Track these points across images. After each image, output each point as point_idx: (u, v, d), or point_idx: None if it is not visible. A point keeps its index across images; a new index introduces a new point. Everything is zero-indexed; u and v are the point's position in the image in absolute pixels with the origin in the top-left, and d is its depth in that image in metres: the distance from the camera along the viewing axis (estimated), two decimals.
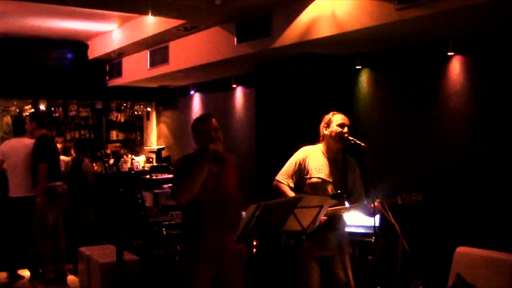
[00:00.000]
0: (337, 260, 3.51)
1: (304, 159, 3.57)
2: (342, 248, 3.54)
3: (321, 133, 3.61)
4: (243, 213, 2.99)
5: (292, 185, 3.57)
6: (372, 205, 3.33)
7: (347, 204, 3.48)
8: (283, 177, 3.60)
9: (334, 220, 3.48)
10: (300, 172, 3.57)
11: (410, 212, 4.21)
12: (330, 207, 3.40)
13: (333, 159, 3.58)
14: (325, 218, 3.41)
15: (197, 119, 3.34)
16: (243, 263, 3.40)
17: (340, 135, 3.50)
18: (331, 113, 3.62)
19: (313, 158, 3.57)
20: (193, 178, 3.07)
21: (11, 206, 5.84)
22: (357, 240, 4.32)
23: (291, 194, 3.52)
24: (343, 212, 3.49)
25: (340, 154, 3.60)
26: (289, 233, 3.34)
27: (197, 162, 3.13)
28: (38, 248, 5.79)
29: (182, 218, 3.39)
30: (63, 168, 7.45)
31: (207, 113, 3.46)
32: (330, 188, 3.52)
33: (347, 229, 3.70)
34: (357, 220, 4.33)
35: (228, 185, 3.28)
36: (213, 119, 3.26)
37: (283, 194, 3.53)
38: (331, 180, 3.53)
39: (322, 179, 3.52)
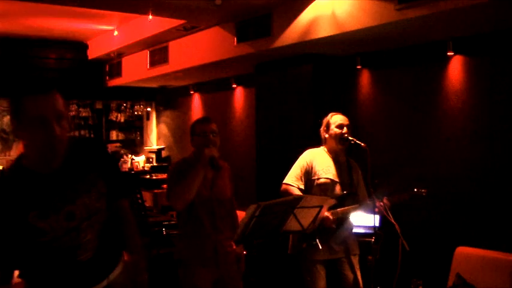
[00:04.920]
0: (346, 261, 3.52)
1: (311, 161, 3.58)
2: (351, 249, 3.55)
3: (322, 136, 3.63)
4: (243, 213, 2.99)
5: (302, 187, 3.56)
6: (377, 203, 3.35)
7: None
8: (293, 180, 3.58)
9: (343, 221, 3.49)
10: (308, 174, 3.57)
11: (410, 212, 4.21)
12: (339, 207, 3.42)
13: (338, 160, 3.60)
14: (334, 218, 3.41)
15: (196, 121, 3.30)
16: (242, 266, 3.39)
17: (339, 136, 3.51)
18: (329, 115, 3.63)
19: (319, 160, 3.58)
20: (188, 183, 3.02)
21: None
22: (357, 240, 4.32)
23: None
24: (352, 212, 3.50)
25: (343, 155, 3.62)
26: (291, 233, 3.34)
27: (193, 166, 3.08)
28: None
29: (178, 223, 3.36)
30: None
31: (207, 116, 3.42)
32: (338, 188, 3.53)
33: None
34: (357, 220, 4.33)
35: (222, 190, 3.26)
36: (213, 123, 3.22)
37: None
38: (339, 180, 3.54)
39: (330, 179, 3.52)
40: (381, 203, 3.35)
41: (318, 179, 3.53)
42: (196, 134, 3.19)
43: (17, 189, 1.92)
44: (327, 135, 3.58)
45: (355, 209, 3.49)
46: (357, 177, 3.63)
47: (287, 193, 3.55)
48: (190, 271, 3.15)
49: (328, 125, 3.58)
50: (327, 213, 3.36)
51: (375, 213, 3.36)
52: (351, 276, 3.50)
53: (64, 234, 1.99)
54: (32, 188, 1.92)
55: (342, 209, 3.44)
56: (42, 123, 1.85)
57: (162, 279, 4.69)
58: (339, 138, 3.51)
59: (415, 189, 3.52)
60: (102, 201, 2.11)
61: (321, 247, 3.29)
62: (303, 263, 3.51)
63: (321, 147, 3.66)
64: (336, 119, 3.57)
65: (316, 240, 3.33)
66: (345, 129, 3.52)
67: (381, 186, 3.44)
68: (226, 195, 3.27)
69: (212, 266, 3.15)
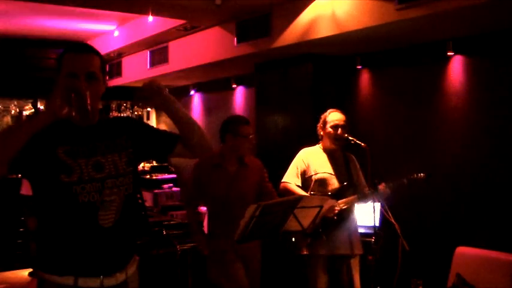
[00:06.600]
0: (345, 260, 3.52)
1: (306, 160, 3.62)
2: (354, 248, 3.55)
3: (318, 133, 3.67)
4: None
5: (299, 183, 3.60)
6: (381, 189, 3.37)
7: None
8: (289, 178, 3.63)
9: (346, 213, 3.50)
10: (305, 172, 3.61)
11: (410, 212, 4.22)
12: (340, 199, 3.43)
13: (333, 155, 3.63)
14: (336, 211, 3.42)
15: (241, 121, 3.34)
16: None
17: (333, 137, 3.55)
18: (327, 112, 3.67)
19: (315, 157, 3.62)
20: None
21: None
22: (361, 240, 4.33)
23: (300, 191, 3.54)
24: (354, 203, 3.51)
25: (339, 151, 3.65)
26: (291, 233, 3.35)
27: (221, 168, 3.19)
28: None
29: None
30: None
31: (244, 116, 3.50)
32: (336, 182, 3.55)
33: None
34: (358, 220, 4.33)
35: (245, 188, 3.29)
36: None
37: (292, 193, 3.54)
38: (336, 174, 3.56)
39: (327, 173, 3.56)
40: (384, 187, 3.36)
41: (316, 174, 3.56)
42: (239, 135, 3.26)
43: (53, 129, 1.97)
44: (322, 133, 3.63)
45: (356, 200, 3.50)
46: (355, 171, 3.65)
47: (286, 190, 3.59)
48: (211, 264, 3.32)
49: (324, 123, 3.63)
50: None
51: (377, 201, 3.38)
52: (349, 276, 3.50)
53: (89, 180, 2.00)
54: (66, 131, 2.02)
55: (343, 200, 3.45)
56: (71, 79, 1.98)
57: (162, 279, 4.69)
58: (333, 138, 3.56)
59: (414, 174, 3.54)
60: (130, 169, 2.13)
61: (325, 238, 3.31)
62: (306, 259, 3.52)
63: (317, 145, 3.68)
64: (332, 118, 3.60)
65: (320, 233, 3.34)
66: (339, 131, 3.55)
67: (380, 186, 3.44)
68: (247, 197, 3.25)
69: (236, 259, 3.26)
